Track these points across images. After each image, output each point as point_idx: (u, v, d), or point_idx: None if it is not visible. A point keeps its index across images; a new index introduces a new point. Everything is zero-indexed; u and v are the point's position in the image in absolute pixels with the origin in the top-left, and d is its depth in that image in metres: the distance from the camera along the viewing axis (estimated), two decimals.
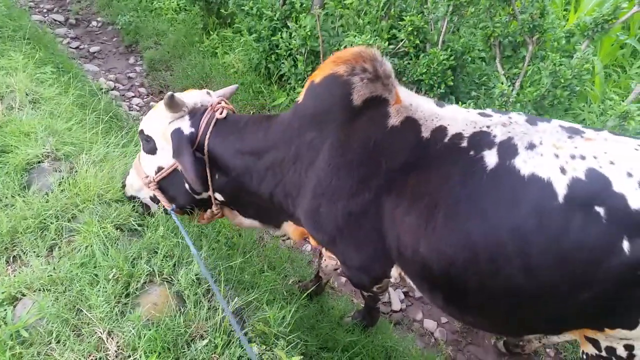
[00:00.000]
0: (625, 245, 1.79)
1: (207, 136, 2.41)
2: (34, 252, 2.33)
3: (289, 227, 2.73)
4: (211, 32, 6.13)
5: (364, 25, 4.79)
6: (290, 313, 2.38)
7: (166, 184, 2.56)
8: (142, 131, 2.52)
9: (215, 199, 2.60)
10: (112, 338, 2.04)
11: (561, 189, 1.86)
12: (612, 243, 1.80)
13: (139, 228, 2.53)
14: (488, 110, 2.24)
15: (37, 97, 3.52)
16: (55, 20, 6.95)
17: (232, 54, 5.72)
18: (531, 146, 1.98)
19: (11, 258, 2.35)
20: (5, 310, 2.12)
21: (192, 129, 2.42)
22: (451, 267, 2.04)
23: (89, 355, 1.98)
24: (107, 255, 2.27)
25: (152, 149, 2.51)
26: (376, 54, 2.15)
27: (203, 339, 2.10)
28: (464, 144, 2.07)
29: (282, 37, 5.30)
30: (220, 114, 2.46)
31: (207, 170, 2.46)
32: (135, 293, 2.20)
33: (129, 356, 1.99)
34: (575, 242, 1.82)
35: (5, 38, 4.75)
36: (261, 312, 2.42)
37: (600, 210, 1.81)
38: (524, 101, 3.86)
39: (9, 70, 3.73)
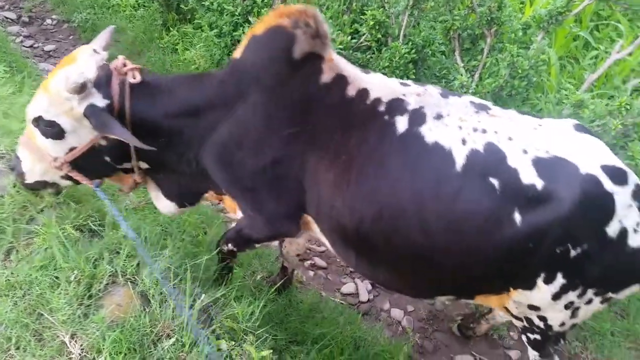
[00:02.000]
0: (517, 218, 1.93)
1: (128, 104, 2.23)
2: None
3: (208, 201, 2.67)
4: (171, 29, 6.03)
5: (327, 19, 4.79)
6: (258, 308, 2.38)
7: (81, 161, 2.33)
8: (40, 117, 2.21)
9: (139, 167, 2.46)
10: (76, 341, 2.00)
11: (460, 159, 1.99)
12: (504, 214, 1.93)
13: (100, 228, 2.47)
14: (408, 81, 2.37)
15: None
16: (7, 18, 6.70)
17: (193, 50, 5.64)
18: (439, 116, 2.12)
19: None
20: None
21: (107, 100, 2.20)
22: (361, 223, 2.15)
23: None
24: (68, 257, 2.21)
25: (57, 134, 2.24)
26: (317, 12, 2.21)
27: (170, 338, 2.08)
28: (382, 108, 2.19)
29: (244, 33, 5.25)
30: (134, 78, 2.26)
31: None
32: (98, 294, 2.16)
33: (94, 358, 1.95)
34: (468, 209, 1.96)
35: None
36: (229, 308, 2.41)
37: (494, 182, 1.95)
38: (482, 92, 3.95)
39: None
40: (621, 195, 1.96)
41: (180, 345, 2.07)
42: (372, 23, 4.42)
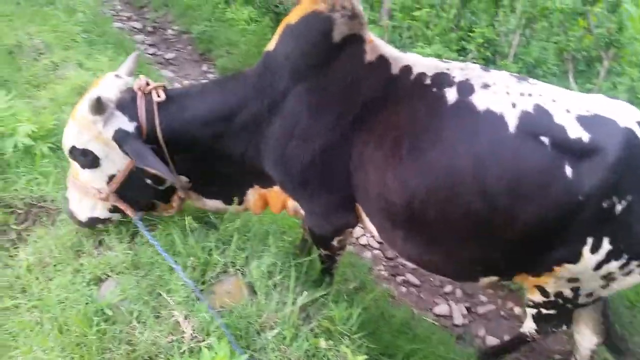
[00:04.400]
0: (568, 171, 2.02)
1: (158, 123, 2.25)
2: (118, 238, 2.48)
3: (252, 197, 2.65)
4: None
5: (433, 36, 4.81)
6: (356, 313, 2.42)
7: (125, 189, 2.36)
8: (73, 148, 2.26)
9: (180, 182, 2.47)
10: (188, 322, 2.13)
11: (512, 121, 2.08)
12: (556, 168, 2.02)
13: (215, 221, 2.63)
14: (447, 59, 2.45)
15: None
16: (134, 28, 7.33)
17: None
18: (486, 86, 2.20)
19: (97, 242, 2.50)
20: (91, 289, 2.27)
21: (135, 123, 2.24)
22: (414, 198, 2.18)
23: (167, 336, 2.09)
24: (187, 244, 2.38)
25: (93, 162, 2.28)
26: None
27: (273, 330, 2.17)
28: (428, 81, 2.25)
29: None
30: (158, 96, 2.28)
31: (167, 157, 2.31)
32: (210, 281, 2.30)
33: (203, 340, 2.08)
34: (525, 167, 2.04)
35: (91, 42, 5.08)
36: (327, 310, 2.47)
37: (545, 139, 2.04)
38: None
39: (96, 71, 4.00)
40: None
41: (282, 337, 2.15)
42: (481, 41, 4.38)
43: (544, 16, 4.32)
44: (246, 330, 2.13)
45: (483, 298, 3.93)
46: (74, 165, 2.35)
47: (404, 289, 3.95)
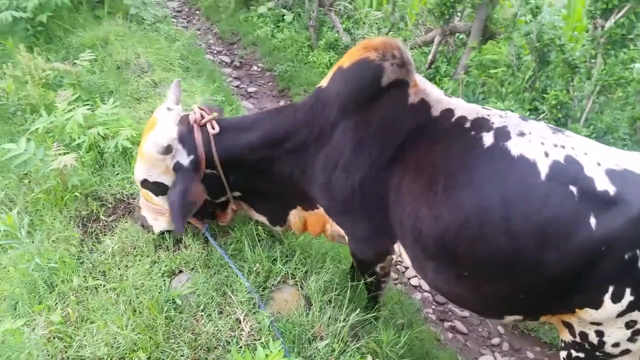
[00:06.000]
0: (593, 221, 2.07)
1: (214, 152, 2.49)
2: (194, 238, 2.73)
3: (294, 218, 2.79)
4: None
5: (507, 94, 4.94)
6: (404, 339, 2.52)
7: None
8: (145, 180, 2.54)
9: (234, 197, 2.70)
10: (247, 320, 2.32)
11: (544, 169, 2.17)
12: (582, 218, 2.08)
13: (281, 235, 2.84)
14: (487, 106, 2.57)
15: None
16: (223, 61, 7.91)
17: None
18: (522, 134, 2.30)
19: (176, 239, 2.76)
20: (165, 280, 2.51)
21: (192, 157, 2.48)
22: (445, 232, 2.28)
23: (227, 331, 2.28)
24: (254, 251, 2.60)
25: (164, 190, 2.55)
26: (400, 42, 2.40)
27: (323, 340, 2.31)
28: (467, 125, 2.38)
29: None
30: (213, 128, 2.52)
31: (223, 179, 2.56)
32: (271, 288, 2.49)
33: (259, 338, 2.25)
34: (552, 214, 2.11)
35: (186, 68, 5.58)
36: (375, 332, 2.59)
37: (573, 189, 2.11)
38: None
39: (190, 93, 4.41)
40: None
41: (331, 350, 2.29)
42: (554, 102, 4.46)
43: (620, 85, 4.35)
44: (299, 337, 2.29)
45: (530, 354, 3.88)
46: (146, 191, 2.61)
47: (450, 335, 3.97)
